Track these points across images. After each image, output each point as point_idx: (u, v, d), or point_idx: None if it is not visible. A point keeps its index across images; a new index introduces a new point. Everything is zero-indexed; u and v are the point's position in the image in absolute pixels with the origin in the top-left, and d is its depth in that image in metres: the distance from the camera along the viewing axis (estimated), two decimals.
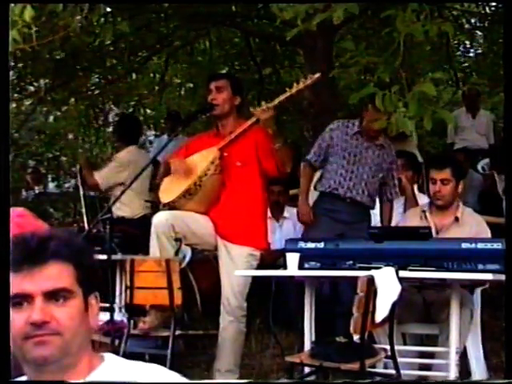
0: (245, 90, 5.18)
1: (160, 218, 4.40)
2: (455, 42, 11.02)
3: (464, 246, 3.85)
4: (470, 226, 4.37)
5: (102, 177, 6.26)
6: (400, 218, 5.15)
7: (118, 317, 4.90)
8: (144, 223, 6.03)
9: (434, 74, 4.72)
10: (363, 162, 5.03)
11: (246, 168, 4.48)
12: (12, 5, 4.04)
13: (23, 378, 1.54)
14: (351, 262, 3.97)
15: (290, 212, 6.18)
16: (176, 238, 4.39)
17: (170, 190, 4.53)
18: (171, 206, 4.53)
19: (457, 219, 4.41)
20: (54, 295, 1.48)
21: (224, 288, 4.47)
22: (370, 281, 3.51)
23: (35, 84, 8.78)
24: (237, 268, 4.39)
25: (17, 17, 4.05)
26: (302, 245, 4.13)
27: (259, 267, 4.55)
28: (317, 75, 4.45)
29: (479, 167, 7.69)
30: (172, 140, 5.89)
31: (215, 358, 4.52)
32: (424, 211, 4.52)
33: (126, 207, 6.14)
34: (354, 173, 5.01)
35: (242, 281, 4.43)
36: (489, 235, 4.37)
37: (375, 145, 5.07)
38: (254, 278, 4.48)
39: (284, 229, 6.05)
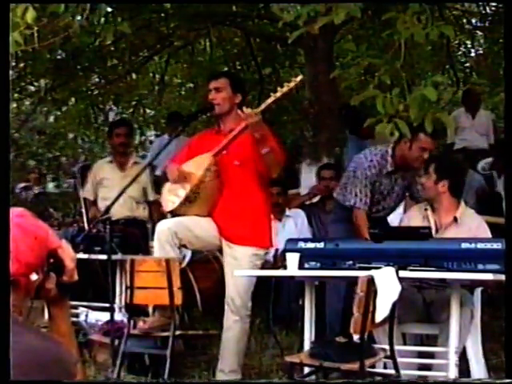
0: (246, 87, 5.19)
1: (162, 227, 4.41)
2: (456, 42, 11.01)
3: (464, 245, 3.85)
4: (469, 228, 4.35)
5: None
6: (400, 217, 5.15)
7: (118, 317, 4.91)
8: (141, 225, 6.08)
9: (435, 78, 4.70)
10: None
11: (244, 167, 4.46)
12: (13, 5, 4.03)
13: None
14: (351, 261, 3.98)
15: (291, 211, 6.21)
16: (180, 245, 4.41)
17: (171, 197, 4.55)
18: (174, 212, 4.55)
19: (455, 219, 4.40)
20: None
21: (228, 288, 4.45)
22: (370, 281, 3.51)
23: (35, 84, 8.80)
24: (241, 268, 4.37)
25: (18, 18, 4.03)
26: (302, 245, 4.13)
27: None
28: (299, 77, 4.50)
29: (479, 167, 7.67)
30: (173, 140, 5.89)
31: (218, 359, 4.51)
32: (426, 209, 4.52)
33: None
34: None
35: (246, 280, 4.41)
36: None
37: None
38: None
39: (286, 228, 6.06)
